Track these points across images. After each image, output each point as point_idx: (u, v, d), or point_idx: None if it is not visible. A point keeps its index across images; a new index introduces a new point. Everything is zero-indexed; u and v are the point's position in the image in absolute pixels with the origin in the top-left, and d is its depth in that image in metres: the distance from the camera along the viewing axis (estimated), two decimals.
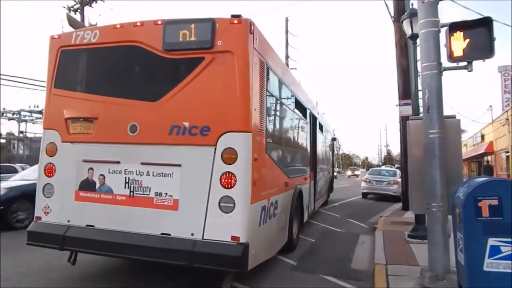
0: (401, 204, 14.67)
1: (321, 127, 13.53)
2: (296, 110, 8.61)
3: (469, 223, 4.28)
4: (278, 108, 6.97)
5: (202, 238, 5.15)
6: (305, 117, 9.97)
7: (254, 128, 5.40)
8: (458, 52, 5.42)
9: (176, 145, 5.41)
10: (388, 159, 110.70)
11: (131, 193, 5.61)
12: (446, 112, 5.59)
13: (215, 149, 5.24)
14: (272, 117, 6.47)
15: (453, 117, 5.74)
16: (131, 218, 5.52)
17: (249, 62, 5.32)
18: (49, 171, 6.11)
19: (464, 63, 5.45)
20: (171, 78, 5.59)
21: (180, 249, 5.11)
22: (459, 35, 5.43)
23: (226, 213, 5.13)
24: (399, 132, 13.75)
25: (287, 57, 36.70)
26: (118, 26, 5.85)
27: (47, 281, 6.07)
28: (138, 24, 5.75)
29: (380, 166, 65.77)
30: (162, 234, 5.33)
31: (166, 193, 5.45)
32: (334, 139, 20.56)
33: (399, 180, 17.82)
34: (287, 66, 32.05)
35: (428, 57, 5.58)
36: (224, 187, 5.18)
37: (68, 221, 5.85)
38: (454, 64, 5.51)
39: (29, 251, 7.16)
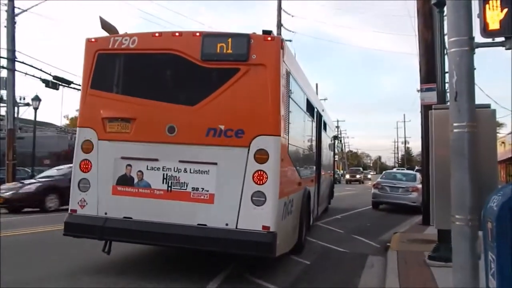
0: (421, 217, 14.62)
1: (325, 125, 15.56)
2: (307, 112, 10.96)
3: (504, 241, 4.28)
4: (296, 112, 8.97)
5: (236, 228, 7.09)
6: (313, 116, 12.15)
7: (281, 131, 7.33)
8: (494, 24, 5.42)
9: (213, 146, 7.35)
10: (407, 160, 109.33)
11: (169, 188, 7.51)
12: (479, 100, 5.60)
13: (249, 150, 7.20)
14: (291, 120, 8.28)
15: (487, 106, 5.77)
16: (169, 210, 7.39)
17: (280, 75, 7.28)
18: (85, 167, 7.86)
19: (502, 39, 5.44)
20: (208, 85, 7.57)
21: (217, 237, 7.02)
22: (495, 3, 5.43)
23: (258, 206, 7.07)
24: (420, 125, 13.88)
25: (279, 25, 36.45)
26: (157, 34, 7.77)
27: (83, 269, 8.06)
28: (177, 34, 7.67)
29: (395, 168, 64.44)
30: (198, 224, 7.22)
31: (203, 188, 7.37)
32: (335, 138, 21.73)
33: (420, 186, 17.61)
34: (280, 34, 33.90)
35: (458, 31, 5.51)
36: (256, 183, 7.11)
37: (106, 213, 7.66)
38: (489, 40, 5.50)
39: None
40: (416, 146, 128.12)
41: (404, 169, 43.79)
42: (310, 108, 11.47)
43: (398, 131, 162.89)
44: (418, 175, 21.02)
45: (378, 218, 17.88)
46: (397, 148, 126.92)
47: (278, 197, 7.25)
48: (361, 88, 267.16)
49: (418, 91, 13.22)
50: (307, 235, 11.06)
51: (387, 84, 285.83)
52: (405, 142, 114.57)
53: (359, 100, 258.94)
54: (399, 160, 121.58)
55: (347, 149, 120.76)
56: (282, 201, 7.54)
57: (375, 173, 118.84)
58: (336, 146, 22.72)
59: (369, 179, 68.19)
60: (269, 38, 7.39)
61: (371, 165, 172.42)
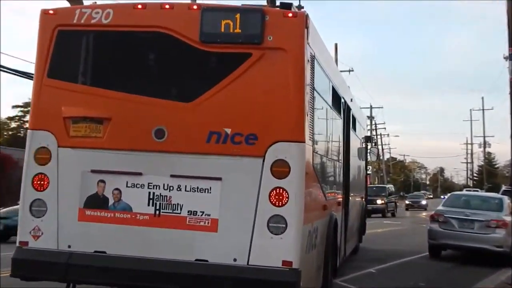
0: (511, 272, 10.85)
1: (354, 123, 12.60)
2: (334, 107, 9.02)
3: None
4: (321, 109, 7.59)
5: (248, 264, 5.85)
6: (339, 111, 10.02)
7: (306, 136, 6.16)
8: None
9: (216, 155, 6.05)
10: (488, 174, 76.40)
11: (157, 212, 6.11)
12: None
13: (264, 160, 5.94)
14: (316, 121, 6.91)
15: None
16: (157, 241, 6.07)
17: (304, 62, 6.09)
18: (39, 183, 6.32)
19: None
20: (209, 75, 6.36)
21: (222, 276, 5.79)
22: None
23: (276, 234, 5.84)
24: (510, 115, 11.10)
25: None
26: (139, 6, 6.29)
27: None
28: (167, 6, 6.25)
29: (467, 189, 52.63)
30: (197, 260, 5.94)
31: (203, 212, 6.03)
32: (369, 139, 16.83)
33: (510, 219, 13.59)
34: None
35: None
36: (274, 205, 5.89)
37: (69, 246, 6.19)
38: None
39: None
40: (502, 151, 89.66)
41: (482, 190, 37.07)
42: (336, 100, 9.51)
43: (472, 126, 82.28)
44: (507, 201, 15.13)
45: (438, 273, 12.57)
46: (471, 154, 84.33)
47: (302, 223, 6.01)
48: (408, 56, 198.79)
49: (505, 58, 11.67)
50: (333, 282, 8.92)
51: (452, 47, 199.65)
52: (484, 144, 75.10)
53: (406, 74, 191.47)
54: (475, 174, 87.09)
55: (386, 155, 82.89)
56: (306, 229, 6.31)
57: (432, 196, 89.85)
58: (369, 153, 16.85)
59: (423, 206, 52.58)
60: (290, 14, 6.06)
61: (428, 182, 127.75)
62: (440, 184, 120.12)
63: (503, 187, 31.60)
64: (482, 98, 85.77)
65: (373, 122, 63.27)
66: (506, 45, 10.47)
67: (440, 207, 15.63)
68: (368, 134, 19.12)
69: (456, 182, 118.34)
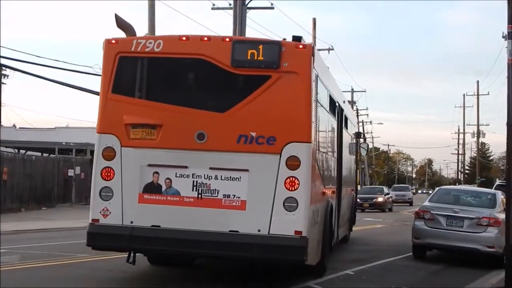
0: (504, 276, 9.91)
1: (346, 121, 14.12)
2: (330, 112, 11.07)
3: None
4: (322, 115, 9.58)
5: (268, 233, 7.73)
6: (335, 114, 11.87)
7: (312, 138, 8.14)
8: None
9: (244, 153, 7.94)
10: (480, 167, 69.10)
11: (199, 195, 7.96)
12: None
13: (280, 156, 7.82)
14: (318, 126, 8.89)
15: None
16: (199, 217, 7.90)
17: (311, 81, 8.04)
18: (107, 174, 8.11)
19: None
20: (238, 92, 8.23)
21: (250, 242, 7.70)
22: None
23: (290, 211, 7.73)
24: (507, 102, 9.68)
25: None
26: (184, 38, 8.17)
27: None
28: (205, 38, 8.17)
29: (458, 184, 46.46)
30: (230, 231, 7.82)
31: (234, 195, 7.92)
32: (358, 135, 17.83)
33: (503, 217, 11.43)
34: None
35: None
36: (288, 189, 7.79)
37: (131, 222, 7.96)
38: None
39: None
40: (497, 142, 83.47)
41: (473, 185, 35.44)
42: (332, 105, 11.36)
43: (465, 113, 71.82)
44: (501, 197, 13.86)
45: (422, 276, 11.57)
46: (463, 144, 73.78)
47: (309, 203, 7.91)
48: (396, 35, 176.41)
49: (504, 37, 11.14)
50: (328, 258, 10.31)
51: (445, 25, 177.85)
52: (478, 133, 68.06)
53: (393, 54, 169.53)
54: (466, 167, 76.90)
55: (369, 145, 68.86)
56: (311, 208, 8.12)
57: (417, 190, 75.71)
58: (359, 148, 17.76)
59: (408, 201, 48.16)
60: (300, 46, 7.98)
61: (414, 175, 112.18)
62: (428, 177, 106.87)
63: (497, 181, 29.81)
64: (477, 82, 73.70)
65: (355, 108, 56.60)
66: (506, 22, 9.60)
67: (426, 203, 14.11)
68: (359, 131, 19.84)
69: (445, 175, 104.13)
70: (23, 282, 8.95)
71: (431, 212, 12.98)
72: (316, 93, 8.51)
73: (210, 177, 7.92)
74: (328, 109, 10.60)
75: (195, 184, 7.95)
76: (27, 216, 23.30)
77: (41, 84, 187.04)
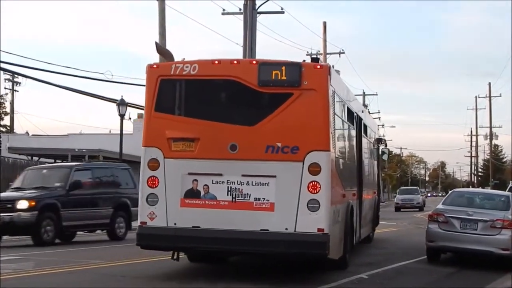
0: None
1: (365, 129, 15.38)
2: (348, 121, 12.28)
3: None
4: (340, 125, 10.86)
5: (295, 231, 8.84)
6: (353, 122, 13.04)
7: (331, 147, 9.29)
8: None
9: (271, 161, 9.06)
10: (494, 170, 68.54)
11: (233, 199, 9.13)
12: None
13: (303, 163, 8.91)
14: (336, 135, 10.17)
15: None
16: (234, 218, 9.02)
17: (328, 97, 9.23)
18: (152, 183, 9.26)
19: None
20: (265, 108, 9.40)
21: (279, 239, 8.83)
22: None
23: (313, 212, 8.83)
24: None
25: None
26: (216, 62, 9.48)
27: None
28: (235, 62, 9.55)
29: (471, 186, 46.70)
30: (261, 230, 8.92)
31: (264, 198, 9.03)
32: (379, 141, 19.28)
33: None
34: None
35: None
36: (311, 192, 8.88)
37: (175, 223, 9.12)
38: None
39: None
40: (511, 144, 75.45)
41: (487, 188, 35.25)
42: (350, 115, 12.44)
43: (477, 116, 72.73)
44: None
45: (437, 280, 11.48)
46: (476, 147, 74.24)
47: (330, 204, 9.00)
48: (407, 37, 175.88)
49: None
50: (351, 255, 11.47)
51: (457, 26, 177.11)
52: (491, 135, 67.83)
53: (405, 57, 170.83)
54: (479, 169, 78.10)
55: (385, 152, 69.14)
56: (332, 209, 9.23)
57: (433, 193, 76.16)
58: (381, 153, 19.54)
59: (417, 206, 45.36)
60: (318, 66, 9.31)
61: (427, 178, 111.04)
62: (441, 180, 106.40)
63: (511, 183, 29.70)
64: (489, 84, 72.31)
65: (367, 111, 57.65)
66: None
67: (440, 206, 14.03)
68: (380, 137, 21.33)
69: (458, 178, 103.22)
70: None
71: (445, 215, 12.86)
72: (334, 107, 9.63)
73: (242, 183, 9.02)
74: (346, 119, 11.77)
75: (229, 189, 9.06)
76: None
77: (53, 91, 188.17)
